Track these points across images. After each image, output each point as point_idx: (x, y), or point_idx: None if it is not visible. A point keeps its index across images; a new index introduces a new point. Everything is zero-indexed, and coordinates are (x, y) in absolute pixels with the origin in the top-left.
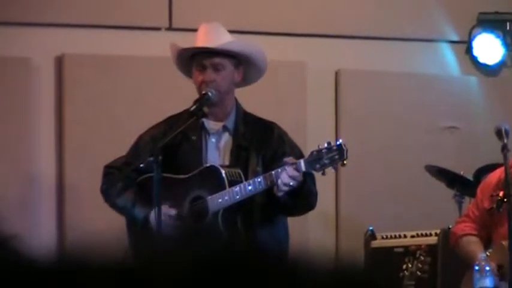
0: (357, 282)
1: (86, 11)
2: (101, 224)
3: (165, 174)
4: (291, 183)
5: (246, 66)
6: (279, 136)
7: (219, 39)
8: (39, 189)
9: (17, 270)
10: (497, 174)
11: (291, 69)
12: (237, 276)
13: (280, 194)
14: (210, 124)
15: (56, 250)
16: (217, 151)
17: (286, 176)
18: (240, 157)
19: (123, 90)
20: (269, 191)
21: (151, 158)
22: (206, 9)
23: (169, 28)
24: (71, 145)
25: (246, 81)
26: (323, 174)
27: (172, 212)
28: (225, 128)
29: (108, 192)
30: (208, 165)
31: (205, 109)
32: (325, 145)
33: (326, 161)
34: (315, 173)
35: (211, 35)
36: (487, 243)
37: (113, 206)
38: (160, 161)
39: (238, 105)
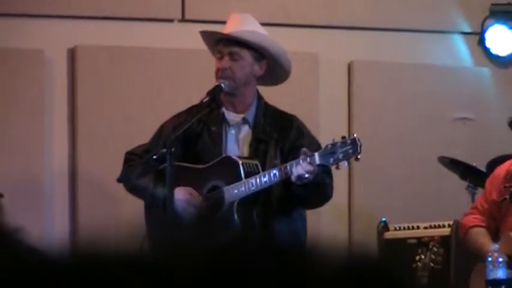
0: (371, 270)
1: (98, 2)
2: (115, 215)
3: (183, 164)
4: (306, 176)
5: (270, 64)
6: (298, 129)
7: (241, 28)
8: (52, 181)
9: (21, 263)
10: (506, 166)
11: (303, 60)
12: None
13: (293, 187)
14: (231, 116)
15: (69, 242)
16: (236, 143)
17: (300, 169)
18: (258, 150)
19: (135, 82)
20: (285, 184)
21: (164, 150)
22: (219, 1)
23: (182, 19)
24: (83, 137)
25: (272, 79)
26: (337, 168)
27: (188, 196)
28: (244, 121)
29: (128, 176)
30: (226, 155)
31: (223, 98)
32: (340, 139)
33: (340, 155)
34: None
35: (236, 24)
36: (495, 236)
37: (133, 188)
38: (174, 152)
39: (259, 98)
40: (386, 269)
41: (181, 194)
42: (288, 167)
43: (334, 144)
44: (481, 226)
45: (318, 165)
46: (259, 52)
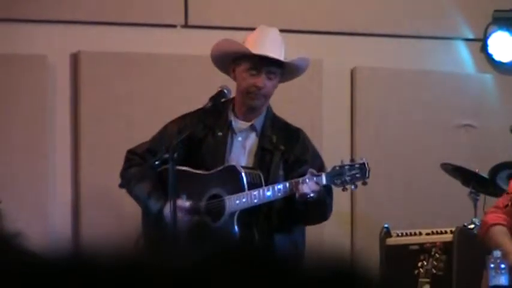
0: (342, 274)
1: (101, 8)
2: (116, 220)
3: (186, 168)
4: (311, 195)
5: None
6: (303, 143)
7: (278, 48)
8: (54, 185)
9: (20, 267)
10: None
11: None
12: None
13: (296, 204)
14: (238, 123)
15: (71, 247)
16: (242, 150)
17: (306, 188)
18: (263, 159)
19: (138, 88)
20: (287, 198)
21: (166, 155)
22: (222, 6)
23: (185, 25)
24: (86, 142)
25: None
26: (343, 190)
27: (187, 204)
28: (252, 128)
29: (127, 178)
30: (229, 164)
31: (237, 104)
32: (349, 161)
33: (347, 178)
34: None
35: (272, 42)
36: None
37: (130, 192)
38: (176, 158)
39: (269, 108)
40: (360, 273)
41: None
42: (294, 184)
43: (342, 167)
44: (503, 225)
45: (323, 186)
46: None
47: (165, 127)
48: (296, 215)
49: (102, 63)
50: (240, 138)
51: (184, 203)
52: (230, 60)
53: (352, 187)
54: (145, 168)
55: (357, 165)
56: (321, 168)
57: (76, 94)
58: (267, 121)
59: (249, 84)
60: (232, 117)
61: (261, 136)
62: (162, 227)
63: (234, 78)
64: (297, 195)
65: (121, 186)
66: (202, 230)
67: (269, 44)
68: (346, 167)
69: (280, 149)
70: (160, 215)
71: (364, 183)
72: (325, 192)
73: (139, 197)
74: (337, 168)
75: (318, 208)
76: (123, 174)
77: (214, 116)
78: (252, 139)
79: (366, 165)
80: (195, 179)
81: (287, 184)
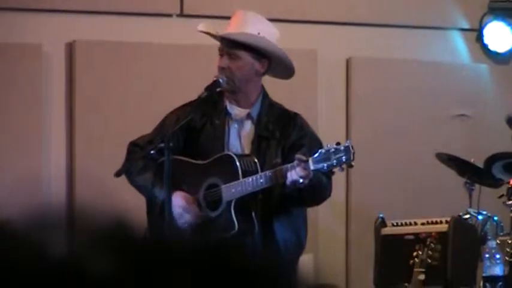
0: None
1: None
2: (111, 209)
3: (183, 158)
4: (300, 181)
5: (273, 61)
6: (301, 128)
7: (243, 29)
8: (49, 175)
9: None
10: None
11: (301, 57)
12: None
13: (288, 190)
14: (234, 110)
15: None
16: (238, 138)
17: (294, 174)
18: (260, 147)
19: (133, 77)
20: (284, 184)
21: (162, 144)
22: None
23: (181, 15)
24: (81, 131)
25: (279, 75)
26: (331, 173)
27: (188, 196)
28: (248, 116)
29: (130, 170)
30: (224, 153)
31: (227, 93)
32: (334, 145)
33: (334, 161)
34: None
35: (238, 24)
36: None
37: (133, 183)
38: (174, 146)
39: (265, 95)
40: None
41: (178, 201)
42: (283, 170)
43: (327, 151)
44: None
45: (313, 171)
46: (257, 51)
47: (165, 118)
48: (293, 200)
49: (97, 53)
50: (236, 126)
51: (187, 196)
52: None
53: (339, 169)
54: (146, 158)
55: (342, 148)
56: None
57: (71, 83)
58: (263, 108)
59: (217, 67)
60: (227, 104)
61: (257, 123)
62: (168, 214)
63: None
64: (287, 182)
65: (117, 175)
66: (200, 222)
67: (232, 24)
68: (332, 150)
69: (276, 135)
70: (164, 204)
71: (350, 166)
72: (320, 174)
73: (144, 187)
74: (323, 152)
75: (314, 192)
76: (126, 166)
77: (212, 104)
78: (248, 127)
79: (351, 147)
80: (193, 169)
81: (277, 170)
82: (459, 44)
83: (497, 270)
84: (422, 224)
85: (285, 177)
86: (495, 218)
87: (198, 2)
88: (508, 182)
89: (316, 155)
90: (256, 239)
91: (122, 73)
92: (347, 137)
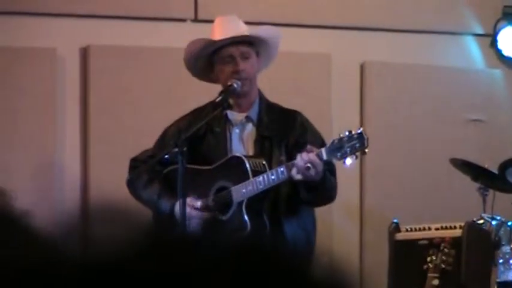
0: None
1: (111, 2)
2: (125, 212)
3: (190, 166)
4: (310, 169)
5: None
6: (302, 124)
7: (239, 29)
8: (63, 179)
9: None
10: None
11: (315, 61)
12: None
13: (297, 177)
14: (234, 115)
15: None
16: (241, 142)
17: (303, 159)
18: (263, 147)
19: (148, 82)
20: (293, 182)
21: (176, 149)
22: (231, 1)
23: (195, 20)
24: (95, 136)
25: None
26: (344, 163)
27: (198, 203)
28: (248, 119)
29: (134, 185)
30: (232, 155)
31: (231, 100)
32: (346, 133)
33: (347, 149)
34: (335, 162)
35: (231, 26)
36: None
37: (139, 198)
38: (186, 152)
39: (261, 96)
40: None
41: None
42: (293, 165)
43: (340, 139)
44: None
45: (324, 162)
46: (256, 47)
47: (165, 131)
48: (300, 200)
49: (112, 57)
50: (237, 131)
51: (194, 200)
52: (204, 64)
53: (354, 158)
54: (150, 171)
55: (355, 135)
56: (321, 145)
57: (85, 88)
58: (262, 109)
59: (228, 73)
60: (227, 111)
61: (258, 125)
62: (175, 225)
63: (216, 79)
64: (294, 173)
65: (129, 190)
66: (212, 225)
67: (227, 27)
68: (345, 139)
69: (279, 134)
70: (172, 215)
71: (364, 153)
72: (331, 174)
73: (149, 201)
74: (336, 141)
75: (326, 193)
76: (130, 182)
77: (211, 112)
78: (249, 129)
79: (364, 134)
80: (201, 175)
81: (289, 164)
82: (473, 49)
83: (511, 275)
84: (436, 229)
85: (296, 167)
86: (509, 223)
87: (212, 7)
88: None
89: (329, 144)
90: (267, 238)
91: (136, 77)
92: None
